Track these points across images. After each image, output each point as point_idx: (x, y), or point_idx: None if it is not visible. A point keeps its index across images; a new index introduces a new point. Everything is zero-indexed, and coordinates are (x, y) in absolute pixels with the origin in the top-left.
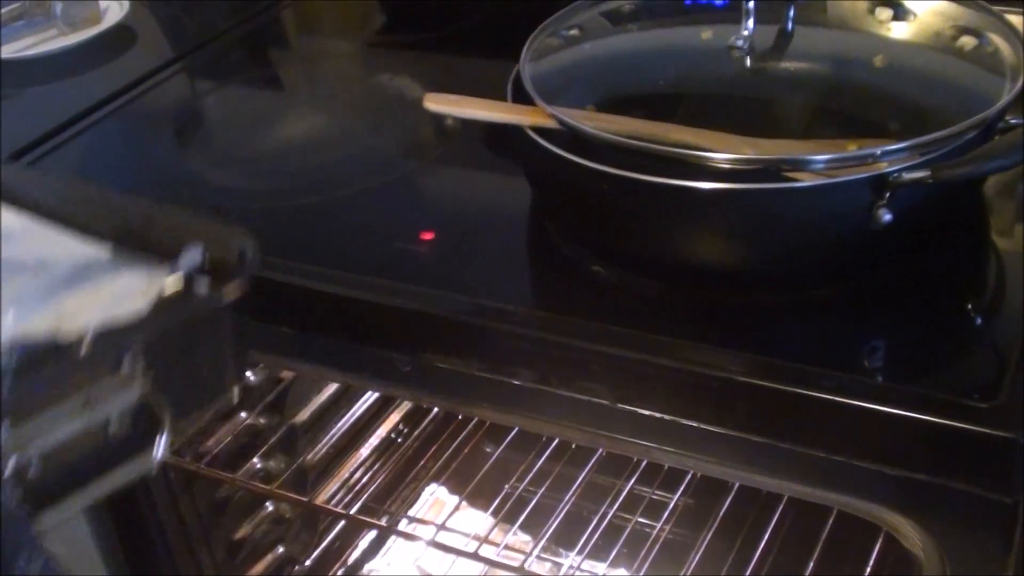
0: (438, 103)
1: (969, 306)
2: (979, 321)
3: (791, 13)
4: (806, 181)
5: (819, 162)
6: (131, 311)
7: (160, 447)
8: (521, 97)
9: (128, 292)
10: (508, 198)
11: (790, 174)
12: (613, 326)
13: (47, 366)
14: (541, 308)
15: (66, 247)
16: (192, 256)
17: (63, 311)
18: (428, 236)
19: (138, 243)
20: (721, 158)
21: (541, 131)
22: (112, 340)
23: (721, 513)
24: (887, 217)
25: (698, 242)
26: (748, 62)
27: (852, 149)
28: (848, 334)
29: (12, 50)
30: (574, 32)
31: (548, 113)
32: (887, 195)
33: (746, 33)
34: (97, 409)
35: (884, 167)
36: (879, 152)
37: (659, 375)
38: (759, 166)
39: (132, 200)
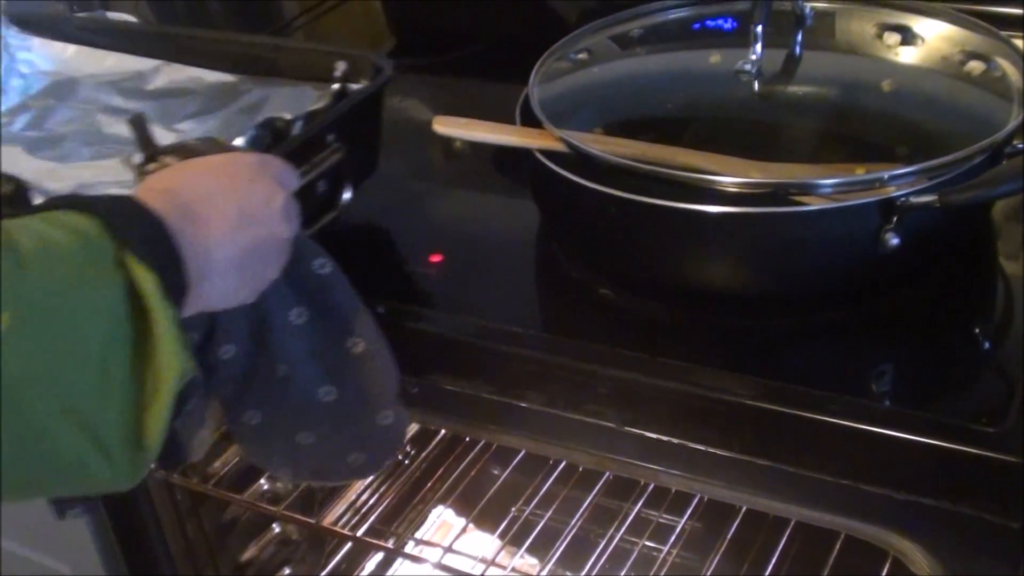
0: (447, 126)
1: (977, 331)
2: (987, 346)
3: (799, 38)
4: (814, 205)
5: (827, 186)
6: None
7: (345, 198)
8: (530, 120)
9: (302, 96)
10: (516, 221)
11: (798, 198)
12: (620, 349)
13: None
14: (548, 330)
15: (201, 75)
16: (342, 67)
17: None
18: (436, 259)
19: (267, 71)
20: (729, 182)
21: (550, 154)
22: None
23: (728, 537)
24: (895, 241)
25: (706, 265)
26: (756, 86)
27: (860, 173)
28: (855, 358)
29: None
30: (582, 56)
31: (556, 136)
32: (895, 219)
33: (754, 57)
34: (311, 173)
35: (892, 191)
36: (887, 176)
37: (666, 398)
38: (767, 190)
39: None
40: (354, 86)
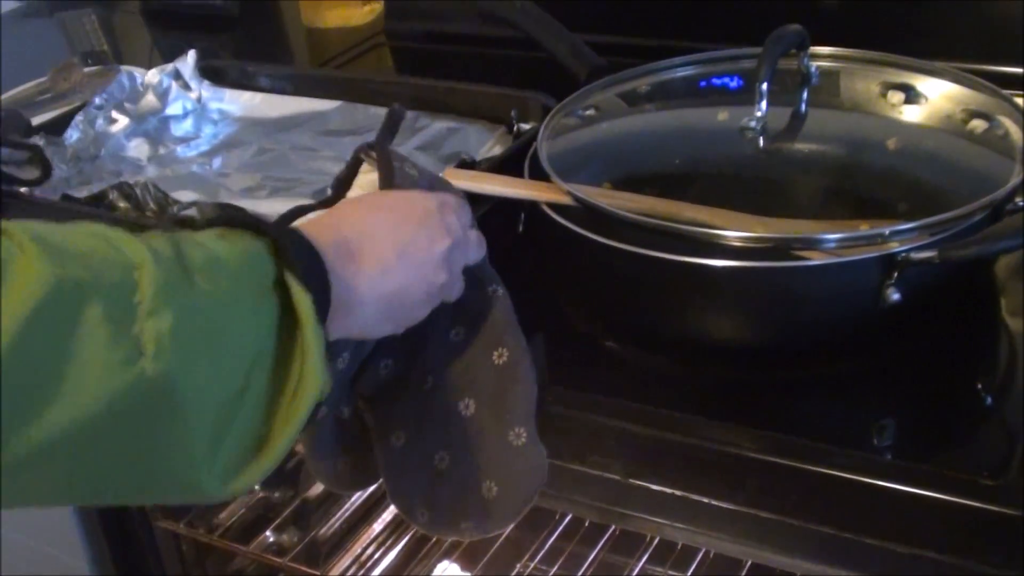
0: (457, 178)
1: (979, 384)
2: (989, 400)
3: (804, 95)
4: (817, 260)
5: (829, 241)
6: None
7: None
8: (538, 174)
9: (479, 133)
10: (523, 272)
11: (801, 253)
12: (625, 401)
13: None
14: (554, 382)
15: (379, 113)
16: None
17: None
18: None
19: (439, 108)
20: (734, 236)
21: (557, 207)
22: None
23: None
24: (896, 296)
25: (710, 318)
26: (761, 143)
27: (863, 229)
28: (858, 411)
29: None
30: (591, 112)
31: (564, 190)
32: (895, 274)
33: (759, 114)
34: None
35: (894, 247)
36: (888, 232)
37: (671, 450)
38: (771, 244)
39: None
40: (524, 126)
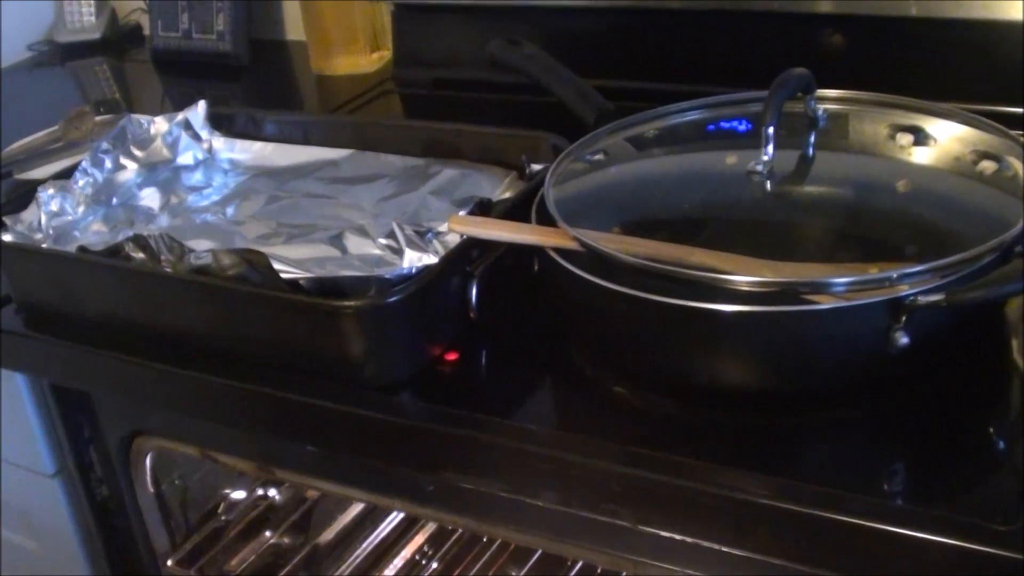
0: (463, 225)
1: (990, 429)
2: (1001, 444)
3: (812, 139)
4: (825, 304)
5: (837, 285)
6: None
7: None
8: (545, 219)
9: (491, 176)
10: (530, 318)
11: (809, 297)
12: (635, 447)
13: None
14: (563, 428)
15: (390, 159)
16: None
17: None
18: (452, 356)
19: (448, 154)
20: (741, 281)
21: (564, 253)
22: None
23: None
24: (904, 340)
25: (719, 363)
26: (768, 186)
27: (871, 272)
28: (868, 456)
29: None
30: (599, 156)
31: (571, 235)
32: (904, 318)
33: (766, 158)
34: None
35: (903, 290)
36: (895, 275)
37: (681, 496)
38: (779, 289)
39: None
40: (536, 166)
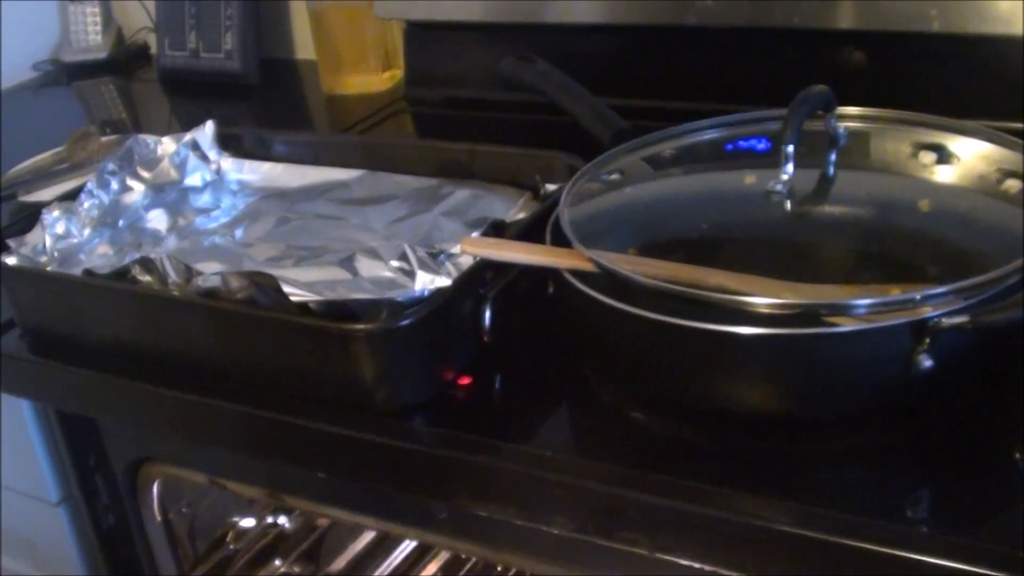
0: (476, 247)
1: (1017, 454)
2: None
3: (832, 157)
4: (846, 326)
5: (858, 307)
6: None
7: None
8: (560, 240)
9: (505, 197)
10: (545, 342)
11: (830, 319)
12: (651, 473)
13: None
14: (579, 454)
15: (402, 180)
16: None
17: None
18: (465, 381)
19: (461, 174)
20: (761, 303)
21: (579, 274)
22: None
23: None
24: (928, 363)
25: (738, 387)
26: (788, 206)
27: (893, 294)
28: (891, 482)
29: None
30: (615, 176)
31: (586, 257)
32: (927, 340)
33: (785, 177)
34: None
35: (926, 312)
36: (919, 296)
37: (699, 524)
38: (799, 311)
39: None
40: (550, 186)
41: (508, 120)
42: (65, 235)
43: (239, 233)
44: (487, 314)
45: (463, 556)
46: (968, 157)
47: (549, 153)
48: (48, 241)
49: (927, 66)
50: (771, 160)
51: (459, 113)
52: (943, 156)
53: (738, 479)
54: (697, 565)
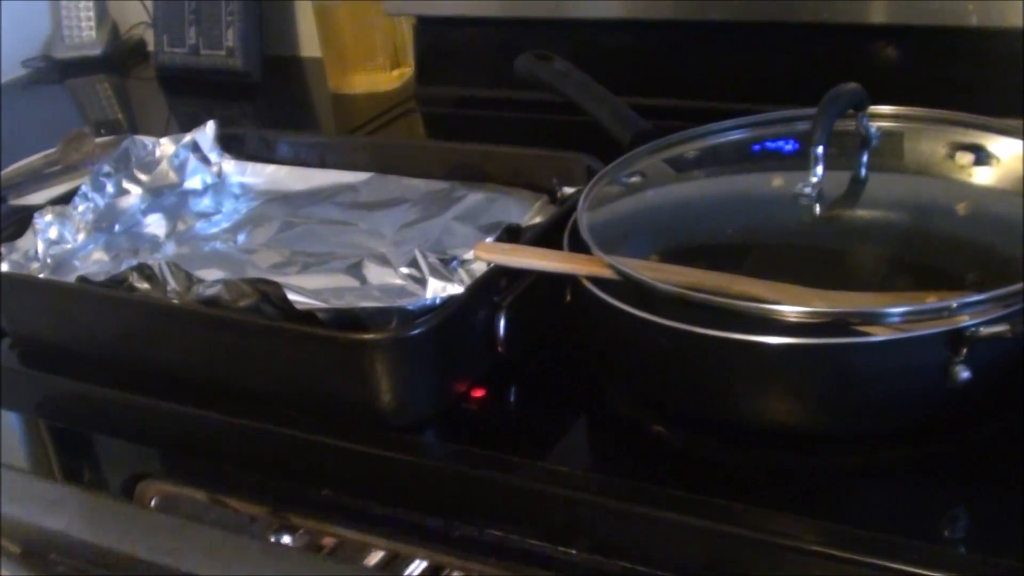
0: (489, 252)
1: None
2: None
3: (864, 159)
4: (879, 336)
5: (892, 315)
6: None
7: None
8: (578, 246)
9: (520, 200)
10: (562, 352)
11: (862, 328)
12: (675, 491)
13: None
14: (598, 470)
15: (412, 183)
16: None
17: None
18: (478, 393)
19: (474, 177)
20: (789, 311)
21: (598, 282)
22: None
23: None
24: (965, 374)
25: (765, 400)
26: (817, 210)
27: (928, 302)
28: (926, 500)
29: None
30: (635, 179)
31: (606, 263)
32: (965, 351)
33: (815, 180)
34: None
35: (963, 321)
36: (956, 304)
37: (726, 544)
38: (829, 320)
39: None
40: (568, 189)
41: (524, 120)
42: (58, 240)
43: (241, 238)
44: (501, 323)
45: None
46: (1007, 158)
47: (567, 155)
48: (40, 247)
49: (964, 62)
50: (799, 162)
51: (472, 113)
52: (981, 157)
53: (766, 497)
54: None
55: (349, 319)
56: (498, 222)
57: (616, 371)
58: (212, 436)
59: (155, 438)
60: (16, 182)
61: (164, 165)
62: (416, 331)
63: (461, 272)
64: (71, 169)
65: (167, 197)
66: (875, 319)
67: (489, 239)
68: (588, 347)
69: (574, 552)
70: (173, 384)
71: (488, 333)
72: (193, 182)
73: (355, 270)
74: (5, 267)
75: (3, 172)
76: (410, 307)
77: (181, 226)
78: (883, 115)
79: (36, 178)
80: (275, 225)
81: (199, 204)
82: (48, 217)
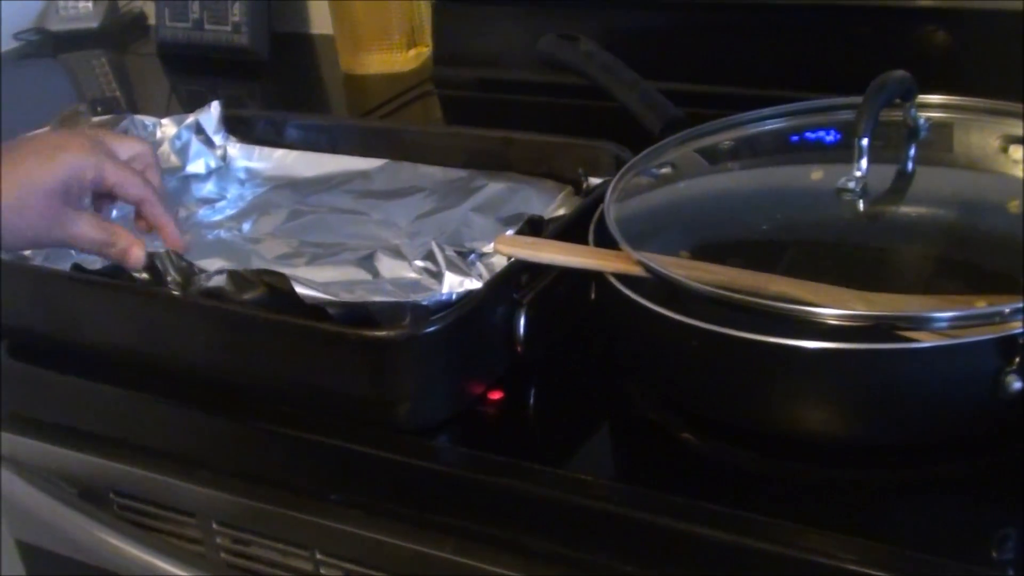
0: (510, 246)
1: None
2: None
3: (912, 152)
4: (924, 342)
5: (940, 320)
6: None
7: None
8: (605, 240)
9: (544, 190)
10: (586, 353)
11: (907, 333)
12: (703, 502)
13: None
14: (622, 479)
15: (429, 171)
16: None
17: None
18: (496, 395)
19: (495, 165)
20: (829, 314)
21: (626, 279)
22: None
23: None
24: (1017, 385)
25: (801, 408)
26: (861, 206)
27: (978, 306)
28: (974, 518)
29: None
30: (666, 170)
31: (634, 259)
32: (1017, 360)
33: (859, 174)
34: None
35: (1016, 327)
36: (1008, 310)
37: (756, 560)
38: (871, 323)
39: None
40: (594, 180)
41: (547, 105)
42: None
43: (247, 227)
44: (522, 321)
45: None
46: None
47: (593, 143)
48: None
49: (1018, 49)
50: (842, 154)
51: (493, 96)
52: None
53: (801, 511)
54: None
55: (360, 315)
56: (519, 214)
57: (643, 374)
58: (214, 437)
59: (150, 438)
60: None
61: (165, 147)
62: (431, 329)
63: (479, 266)
64: None
65: (168, 181)
66: (920, 324)
67: (510, 232)
68: (613, 348)
69: (596, 563)
70: (171, 382)
71: (507, 332)
72: (196, 166)
73: (367, 262)
74: None
75: None
76: (425, 303)
77: (183, 213)
78: (932, 105)
79: None
80: (283, 214)
81: (202, 190)
82: None
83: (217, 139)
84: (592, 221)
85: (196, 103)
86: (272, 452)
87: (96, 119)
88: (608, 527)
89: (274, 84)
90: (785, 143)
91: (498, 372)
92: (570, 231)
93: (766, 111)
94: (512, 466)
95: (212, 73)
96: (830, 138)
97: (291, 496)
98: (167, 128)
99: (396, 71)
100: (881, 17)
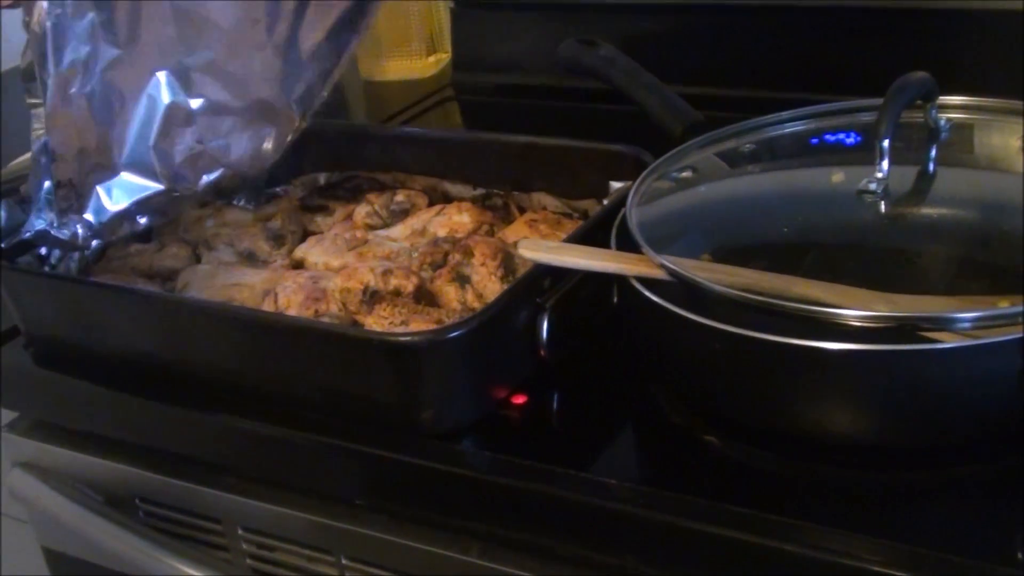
0: (533, 250)
1: None
2: None
3: (933, 153)
4: (948, 343)
5: (963, 321)
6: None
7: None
8: (627, 244)
9: None
10: (609, 357)
11: (930, 334)
12: (728, 505)
13: None
14: (646, 483)
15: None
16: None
17: None
18: (520, 399)
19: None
20: (852, 315)
21: (648, 282)
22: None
23: None
24: None
25: (825, 410)
26: (883, 208)
27: (1002, 306)
28: (999, 519)
29: None
30: (687, 174)
31: (657, 263)
32: None
33: (880, 175)
34: None
35: None
36: None
37: (781, 562)
38: (894, 325)
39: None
40: (616, 184)
41: (567, 110)
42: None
43: None
44: (544, 326)
45: None
46: None
47: (614, 147)
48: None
49: None
50: (863, 156)
51: (512, 102)
52: None
53: (825, 513)
54: None
55: None
56: None
57: (666, 377)
58: (237, 442)
59: (176, 445)
60: (27, 173)
61: None
62: (454, 333)
63: None
64: None
65: None
66: (944, 324)
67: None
68: (636, 351)
69: (622, 567)
70: (196, 389)
71: (530, 336)
72: None
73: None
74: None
75: (15, 162)
76: None
77: None
78: (953, 106)
79: None
80: None
81: None
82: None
83: None
84: (614, 225)
85: None
86: (297, 457)
87: None
88: (633, 530)
89: None
90: (806, 146)
91: (521, 376)
92: (592, 235)
93: (786, 114)
94: (536, 470)
95: None
96: (851, 140)
97: (316, 501)
98: None
99: (416, 77)
100: (902, 18)
